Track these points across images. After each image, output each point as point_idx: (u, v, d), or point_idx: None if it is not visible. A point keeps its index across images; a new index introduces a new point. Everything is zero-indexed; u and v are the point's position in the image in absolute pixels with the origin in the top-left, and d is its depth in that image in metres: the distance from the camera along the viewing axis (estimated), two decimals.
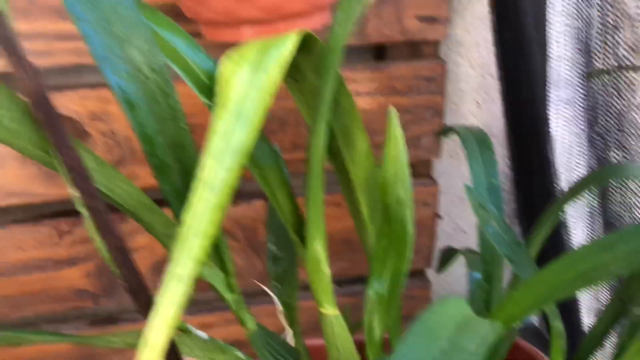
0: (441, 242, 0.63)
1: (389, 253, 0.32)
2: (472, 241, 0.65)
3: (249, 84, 0.27)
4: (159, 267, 0.56)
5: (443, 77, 0.54)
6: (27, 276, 0.55)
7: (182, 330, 0.29)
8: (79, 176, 0.20)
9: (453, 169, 0.61)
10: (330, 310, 0.32)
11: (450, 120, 0.58)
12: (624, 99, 0.46)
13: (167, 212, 0.31)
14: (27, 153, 0.23)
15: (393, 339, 0.35)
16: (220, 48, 0.41)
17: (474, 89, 0.59)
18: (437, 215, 0.58)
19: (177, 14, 0.48)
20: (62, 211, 0.54)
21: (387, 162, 0.31)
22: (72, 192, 0.22)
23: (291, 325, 0.36)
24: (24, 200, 0.52)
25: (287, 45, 0.27)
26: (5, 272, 0.55)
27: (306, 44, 0.29)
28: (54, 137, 0.20)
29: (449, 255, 0.45)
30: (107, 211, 0.22)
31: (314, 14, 0.42)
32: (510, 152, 0.57)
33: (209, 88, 0.30)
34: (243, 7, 0.39)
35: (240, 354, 0.32)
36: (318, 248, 0.30)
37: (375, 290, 0.32)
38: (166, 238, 0.26)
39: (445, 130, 0.50)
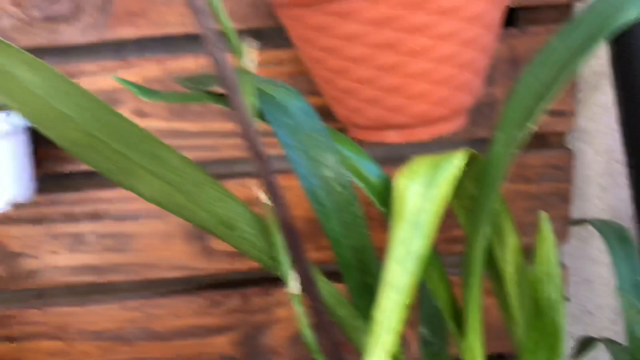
0: (567, 324, 0.63)
1: (540, 346, 0.35)
2: (598, 323, 0.65)
3: (422, 197, 0.31)
4: (296, 339, 0.61)
5: (570, 165, 0.56)
6: (182, 341, 0.62)
7: None
8: (309, 283, 0.25)
9: (579, 251, 0.63)
10: None
11: (575, 204, 0.60)
12: None
13: None
14: (257, 258, 0.28)
15: None
16: (366, 144, 0.46)
17: (599, 174, 0.60)
18: (566, 298, 0.59)
19: (325, 114, 0.54)
20: (216, 284, 0.61)
21: (539, 262, 0.34)
22: (292, 291, 0.27)
23: None
24: (185, 273, 0.59)
25: (455, 164, 0.32)
26: (164, 337, 0.61)
27: (468, 159, 0.33)
28: (294, 253, 0.25)
29: (587, 343, 0.46)
30: (326, 312, 0.27)
31: (453, 119, 0.46)
32: None
33: (380, 194, 0.35)
34: (394, 115, 0.44)
35: None
36: (475, 341, 0.33)
37: None
38: (352, 329, 0.31)
39: (579, 221, 0.52)
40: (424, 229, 0.30)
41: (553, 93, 0.29)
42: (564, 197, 0.57)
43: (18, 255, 0.59)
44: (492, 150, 0.32)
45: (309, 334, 0.28)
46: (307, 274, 0.25)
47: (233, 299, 0.60)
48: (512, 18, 0.54)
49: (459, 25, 0.40)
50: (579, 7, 0.53)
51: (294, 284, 0.27)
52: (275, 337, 0.62)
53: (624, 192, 0.60)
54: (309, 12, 0.41)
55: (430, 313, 0.40)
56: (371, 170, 0.35)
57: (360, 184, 0.34)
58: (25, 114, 0.20)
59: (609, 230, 0.41)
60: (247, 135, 0.23)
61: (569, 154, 0.56)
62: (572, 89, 0.54)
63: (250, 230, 0.26)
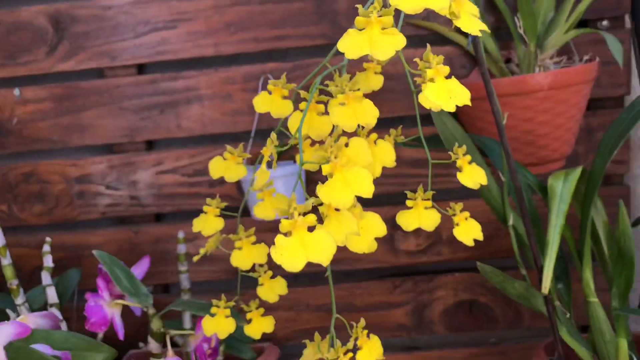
0: None
1: (622, 273, 0.66)
2: None
3: (562, 187, 0.65)
4: (447, 313, 0.92)
5: (628, 197, 0.89)
6: (372, 313, 0.94)
7: None
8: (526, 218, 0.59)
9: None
10: (592, 299, 0.67)
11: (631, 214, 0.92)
12: None
13: None
14: (496, 209, 0.61)
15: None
16: None
17: None
18: None
19: None
20: (395, 274, 0.94)
21: (620, 228, 0.66)
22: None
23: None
24: (377, 265, 0.92)
25: (577, 172, 0.65)
26: (360, 309, 0.93)
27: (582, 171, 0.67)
28: (521, 209, 0.59)
29: None
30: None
31: (559, 161, 0.80)
32: None
33: (539, 188, 0.69)
34: (527, 158, 0.78)
35: None
36: (587, 271, 0.66)
37: (614, 293, 0.66)
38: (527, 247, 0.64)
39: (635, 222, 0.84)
40: (565, 200, 0.64)
41: (622, 141, 0.63)
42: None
43: None
44: (593, 167, 0.66)
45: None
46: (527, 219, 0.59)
47: (407, 284, 0.93)
48: (589, 106, 0.89)
49: (566, 109, 0.75)
50: (628, 99, 0.88)
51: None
52: (434, 311, 0.93)
53: None
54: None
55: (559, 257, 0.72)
56: (533, 179, 0.69)
57: (530, 183, 0.68)
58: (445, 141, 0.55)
59: None
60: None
61: (627, 188, 0.89)
62: (627, 144, 0.88)
63: (495, 191, 0.59)
